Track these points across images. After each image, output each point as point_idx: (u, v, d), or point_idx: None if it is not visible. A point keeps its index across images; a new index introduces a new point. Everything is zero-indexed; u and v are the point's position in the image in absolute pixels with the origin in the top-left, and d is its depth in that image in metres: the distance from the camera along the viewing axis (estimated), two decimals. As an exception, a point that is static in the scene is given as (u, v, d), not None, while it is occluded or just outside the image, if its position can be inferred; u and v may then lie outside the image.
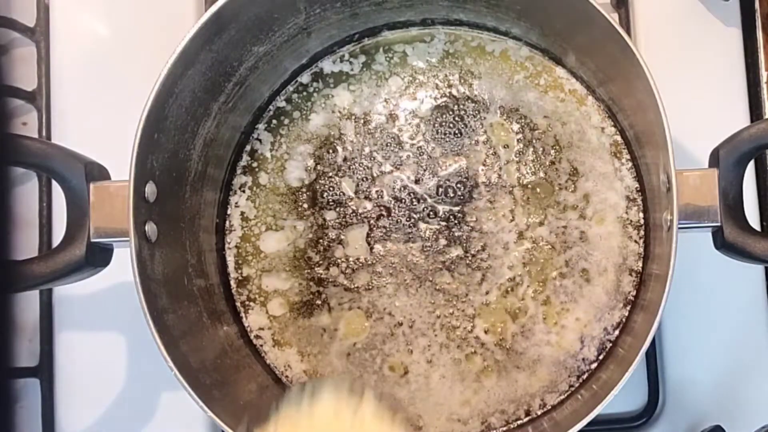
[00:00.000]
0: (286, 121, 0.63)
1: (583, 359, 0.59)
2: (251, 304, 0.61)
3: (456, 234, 0.60)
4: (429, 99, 0.62)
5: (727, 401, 0.61)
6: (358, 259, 0.61)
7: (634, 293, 0.59)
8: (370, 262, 0.60)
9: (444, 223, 0.60)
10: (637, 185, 0.60)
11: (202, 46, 0.52)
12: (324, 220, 0.61)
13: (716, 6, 0.64)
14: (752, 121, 0.64)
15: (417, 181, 0.61)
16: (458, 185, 0.61)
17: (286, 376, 0.60)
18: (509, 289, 0.60)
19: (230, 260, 0.62)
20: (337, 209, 0.61)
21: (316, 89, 0.63)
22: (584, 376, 0.59)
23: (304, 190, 0.62)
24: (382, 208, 0.61)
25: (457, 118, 0.62)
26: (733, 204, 0.50)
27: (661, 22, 0.65)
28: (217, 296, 0.60)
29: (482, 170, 0.61)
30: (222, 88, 0.57)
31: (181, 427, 0.61)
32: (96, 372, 0.62)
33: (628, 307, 0.59)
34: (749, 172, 0.61)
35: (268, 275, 0.61)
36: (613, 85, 0.58)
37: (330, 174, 0.62)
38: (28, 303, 0.63)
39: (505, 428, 0.59)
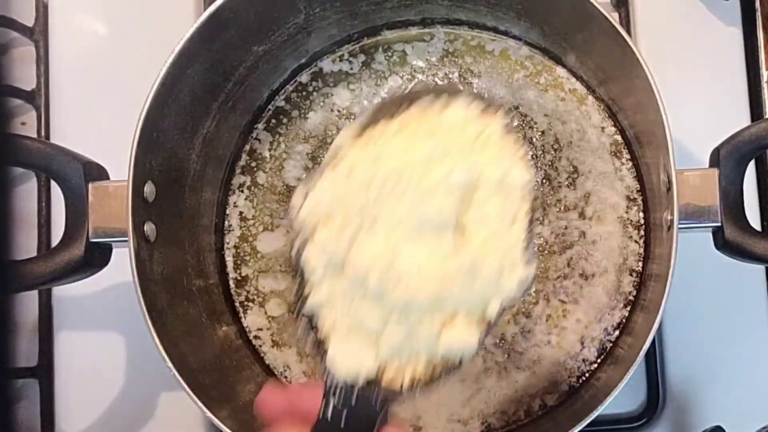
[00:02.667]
0: (285, 121, 0.63)
1: (584, 360, 0.59)
2: (250, 304, 0.61)
3: (456, 234, 0.60)
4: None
5: (727, 401, 0.61)
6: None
7: (634, 293, 0.59)
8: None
9: (444, 223, 0.60)
10: (638, 185, 0.60)
11: (201, 46, 0.52)
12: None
13: (716, 6, 0.64)
14: (753, 120, 0.64)
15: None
16: (458, 185, 0.60)
17: (285, 377, 0.60)
18: (509, 289, 0.60)
19: (229, 260, 0.61)
20: (337, 209, 0.61)
21: (316, 88, 0.63)
22: (584, 377, 0.59)
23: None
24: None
25: (456, 118, 0.61)
26: (733, 204, 0.50)
27: (661, 22, 0.65)
28: (216, 296, 0.60)
29: (482, 170, 0.61)
30: (221, 88, 0.57)
31: (181, 427, 0.61)
32: (95, 372, 0.62)
33: (629, 308, 0.59)
34: (750, 172, 0.61)
35: (265, 275, 0.61)
36: (613, 85, 0.58)
37: (329, 174, 0.62)
38: (28, 303, 0.63)
39: (505, 428, 0.59)
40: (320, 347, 0.41)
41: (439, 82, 0.62)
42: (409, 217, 0.39)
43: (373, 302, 0.40)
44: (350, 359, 0.40)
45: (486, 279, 0.39)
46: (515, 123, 0.42)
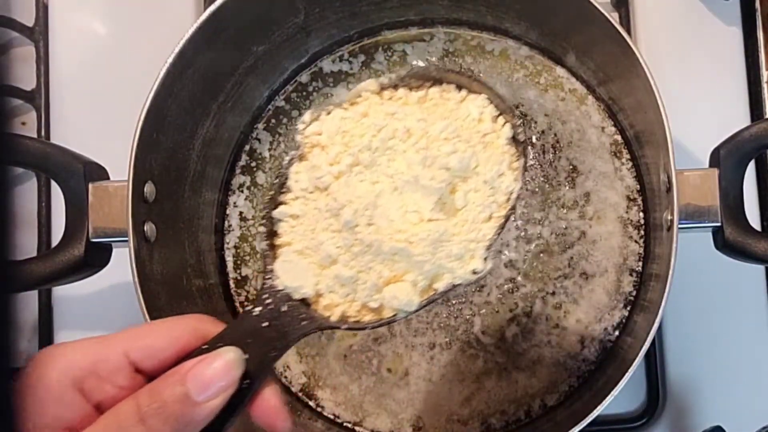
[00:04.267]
0: (285, 121, 0.63)
1: (584, 360, 0.59)
2: (250, 304, 0.61)
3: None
4: (428, 98, 0.62)
5: (727, 401, 0.61)
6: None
7: (634, 293, 0.59)
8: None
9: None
10: (638, 185, 0.60)
11: (201, 46, 0.52)
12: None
13: (716, 6, 0.64)
14: (753, 120, 0.64)
15: (417, 181, 0.61)
16: (458, 185, 0.61)
17: (285, 377, 0.60)
18: (509, 289, 0.60)
19: (229, 260, 0.61)
20: (337, 209, 0.61)
21: (316, 88, 0.63)
22: (584, 377, 0.59)
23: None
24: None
25: (456, 118, 0.61)
26: (733, 204, 0.50)
27: (661, 22, 0.65)
28: (216, 296, 0.60)
29: (482, 170, 0.61)
30: (221, 88, 0.57)
31: (181, 427, 0.61)
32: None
33: (629, 308, 0.59)
34: (750, 172, 0.61)
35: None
36: (613, 85, 0.58)
37: (329, 174, 0.62)
38: (28, 303, 0.63)
39: (505, 429, 0.59)
40: (273, 250, 0.44)
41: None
42: (404, 173, 0.42)
43: (338, 233, 0.42)
44: (296, 272, 0.43)
45: (447, 255, 0.42)
46: (523, 137, 0.45)
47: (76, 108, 0.65)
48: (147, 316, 0.50)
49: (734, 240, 0.50)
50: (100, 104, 0.65)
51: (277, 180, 0.45)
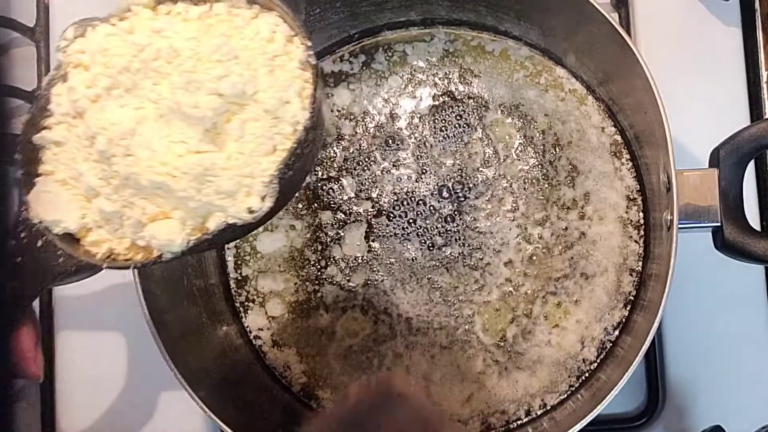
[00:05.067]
0: (286, 121, 0.63)
1: (584, 360, 0.59)
2: (250, 304, 0.61)
3: (454, 233, 0.60)
4: (428, 98, 0.62)
5: (727, 401, 0.61)
6: (356, 257, 0.61)
7: (634, 293, 0.59)
8: (368, 261, 0.60)
9: (443, 222, 0.60)
10: (637, 185, 0.60)
11: (202, 46, 0.52)
12: (322, 219, 0.61)
13: (716, 6, 0.64)
14: (752, 120, 0.64)
15: (416, 180, 0.61)
16: (457, 184, 0.61)
17: (285, 377, 0.60)
18: (509, 289, 0.60)
19: (229, 260, 0.61)
20: (336, 208, 0.61)
21: (316, 89, 0.63)
22: (584, 377, 0.59)
23: (302, 189, 0.61)
24: (381, 206, 0.61)
25: (456, 117, 0.62)
26: (733, 204, 0.50)
27: (661, 22, 0.65)
28: (216, 296, 0.60)
29: (482, 169, 0.61)
30: (221, 88, 0.57)
31: (181, 427, 0.61)
32: (96, 372, 0.62)
33: (628, 307, 0.59)
34: (749, 172, 0.61)
35: (265, 276, 0.61)
36: (613, 85, 0.58)
37: (329, 173, 0.62)
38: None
39: (505, 428, 0.59)
40: (31, 177, 0.40)
41: (439, 82, 0.62)
42: (166, 99, 0.38)
43: (98, 163, 0.38)
44: (55, 205, 0.39)
45: (216, 191, 0.38)
46: (314, 60, 0.40)
47: (76, 108, 0.65)
48: (148, 316, 0.50)
49: (734, 240, 0.50)
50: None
51: (37, 100, 0.40)
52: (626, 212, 0.60)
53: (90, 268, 0.39)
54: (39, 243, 0.38)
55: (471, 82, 0.62)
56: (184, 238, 0.38)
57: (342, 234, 0.61)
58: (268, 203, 0.38)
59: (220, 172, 0.38)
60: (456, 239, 0.60)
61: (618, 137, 0.61)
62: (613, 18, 0.51)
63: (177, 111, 0.37)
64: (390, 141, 0.62)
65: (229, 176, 0.38)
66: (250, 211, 0.38)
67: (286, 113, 0.39)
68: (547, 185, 0.61)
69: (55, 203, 0.39)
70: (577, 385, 0.59)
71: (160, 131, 0.37)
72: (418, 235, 0.60)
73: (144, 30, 0.39)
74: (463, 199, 0.60)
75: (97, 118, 0.38)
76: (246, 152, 0.38)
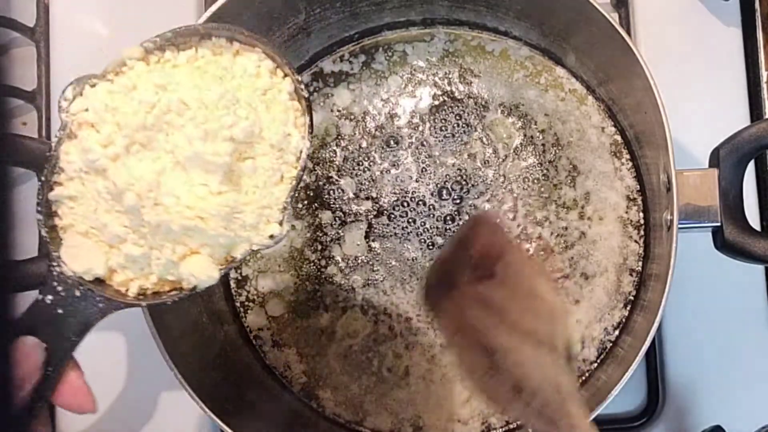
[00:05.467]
0: (286, 121, 0.63)
1: (584, 360, 0.59)
2: (250, 304, 0.61)
3: (454, 232, 0.60)
4: (428, 97, 0.62)
5: (727, 401, 0.61)
6: (356, 257, 0.61)
7: (634, 293, 0.59)
8: (368, 260, 0.60)
9: (443, 222, 0.60)
10: (638, 185, 0.60)
11: (202, 46, 0.52)
12: (322, 219, 0.61)
13: (716, 6, 0.64)
14: (752, 120, 0.64)
15: (416, 180, 0.61)
16: (457, 184, 0.61)
17: (286, 377, 0.60)
18: (509, 289, 0.60)
19: (230, 260, 0.61)
20: (336, 208, 0.61)
21: (316, 89, 0.63)
22: (584, 377, 0.59)
23: (302, 190, 0.61)
24: (381, 206, 0.61)
25: (456, 117, 0.62)
26: (733, 204, 0.50)
27: (661, 22, 0.65)
28: (217, 296, 0.60)
29: (482, 168, 0.61)
30: (221, 88, 0.57)
31: (181, 427, 0.61)
32: (95, 372, 0.62)
33: (629, 307, 0.59)
34: (749, 172, 0.61)
35: (265, 276, 0.61)
36: (613, 85, 0.58)
37: (329, 173, 0.62)
38: (28, 303, 0.63)
39: (505, 428, 0.59)
40: (56, 232, 0.41)
41: (439, 82, 0.62)
42: (184, 150, 0.40)
43: (123, 214, 0.40)
44: (83, 256, 0.41)
45: (242, 226, 0.41)
46: (305, 92, 0.44)
47: (76, 108, 0.65)
48: (148, 316, 0.50)
49: (734, 240, 0.50)
50: (100, 104, 0.65)
51: (49, 160, 0.41)
52: (626, 212, 0.60)
53: (127, 307, 0.42)
54: (77, 293, 0.41)
55: (471, 82, 0.62)
56: (218, 270, 0.42)
57: (342, 234, 0.61)
58: (287, 227, 0.43)
59: (243, 208, 0.41)
60: (456, 239, 0.60)
61: (618, 137, 0.61)
62: (613, 18, 0.51)
63: (194, 159, 0.40)
64: (390, 141, 0.62)
65: (251, 210, 0.42)
66: (272, 237, 0.42)
67: (289, 145, 0.43)
68: (547, 185, 0.61)
69: (82, 255, 0.41)
70: (577, 385, 0.59)
71: (181, 178, 0.40)
72: (418, 235, 0.60)
73: (148, 86, 0.41)
74: (463, 199, 0.60)
75: (122, 175, 0.40)
76: (260, 185, 0.42)
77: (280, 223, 0.42)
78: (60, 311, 0.40)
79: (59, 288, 0.41)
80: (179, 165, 0.40)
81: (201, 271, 0.41)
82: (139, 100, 0.40)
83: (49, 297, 0.40)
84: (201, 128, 0.40)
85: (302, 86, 0.43)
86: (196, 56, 0.43)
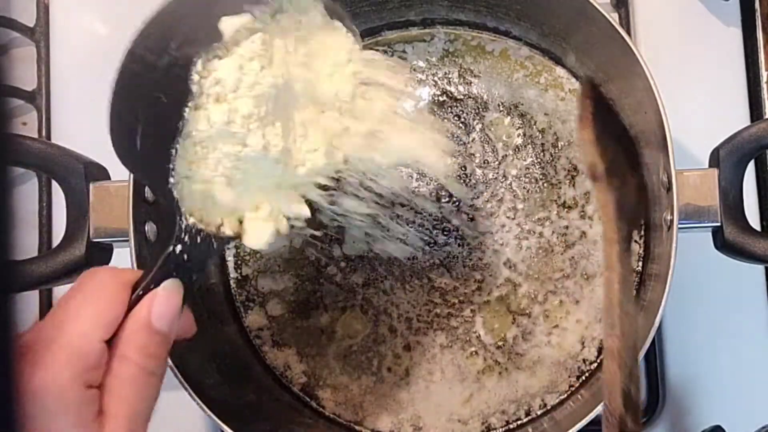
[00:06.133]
0: (286, 121, 0.63)
1: (584, 360, 0.59)
2: (250, 304, 0.61)
3: (454, 232, 0.60)
4: (428, 97, 0.62)
5: (727, 401, 0.61)
6: (356, 257, 0.61)
7: (634, 293, 0.59)
8: (368, 260, 0.60)
9: (443, 222, 0.60)
10: (637, 185, 0.60)
11: (202, 46, 0.52)
12: (322, 219, 0.61)
13: (716, 6, 0.64)
14: (752, 120, 0.64)
15: (416, 180, 0.61)
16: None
17: (286, 377, 0.60)
18: (509, 289, 0.60)
19: (230, 260, 0.62)
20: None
21: (316, 89, 0.63)
22: (584, 377, 0.59)
23: (303, 190, 0.61)
24: (381, 205, 0.61)
25: (456, 116, 0.62)
26: (733, 204, 0.50)
27: (660, 22, 0.65)
28: (217, 296, 0.60)
29: (481, 168, 0.61)
30: (222, 88, 0.57)
31: (181, 427, 0.61)
32: (96, 372, 0.62)
33: (628, 307, 0.59)
34: (749, 172, 0.61)
35: (265, 276, 0.61)
36: (613, 85, 0.58)
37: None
38: (28, 303, 0.63)
39: (505, 428, 0.59)
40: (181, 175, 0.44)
41: (439, 82, 0.62)
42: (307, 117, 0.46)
43: (260, 161, 0.44)
44: (206, 210, 0.45)
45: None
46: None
47: (76, 108, 0.65)
48: (148, 316, 0.50)
49: (734, 240, 0.50)
50: (100, 104, 0.64)
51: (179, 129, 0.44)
52: (626, 212, 0.60)
53: (232, 241, 0.46)
54: (198, 240, 0.45)
55: (471, 82, 0.62)
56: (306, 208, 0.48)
57: (342, 234, 0.61)
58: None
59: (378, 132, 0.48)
60: (456, 239, 0.60)
61: (618, 137, 0.61)
62: (613, 18, 0.51)
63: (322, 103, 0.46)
64: (390, 141, 0.62)
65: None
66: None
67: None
68: (547, 185, 0.61)
69: (206, 207, 0.45)
70: (577, 385, 0.59)
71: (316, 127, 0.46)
72: (418, 234, 0.60)
73: (279, 64, 0.44)
74: (462, 198, 0.60)
75: (261, 140, 0.44)
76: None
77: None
78: (185, 256, 0.44)
79: (185, 238, 0.44)
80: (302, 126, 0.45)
81: (300, 209, 0.47)
82: (263, 88, 0.43)
83: (179, 247, 0.44)
84: (315, 101, 0.45)
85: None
86: (301, 36, 0.45)
